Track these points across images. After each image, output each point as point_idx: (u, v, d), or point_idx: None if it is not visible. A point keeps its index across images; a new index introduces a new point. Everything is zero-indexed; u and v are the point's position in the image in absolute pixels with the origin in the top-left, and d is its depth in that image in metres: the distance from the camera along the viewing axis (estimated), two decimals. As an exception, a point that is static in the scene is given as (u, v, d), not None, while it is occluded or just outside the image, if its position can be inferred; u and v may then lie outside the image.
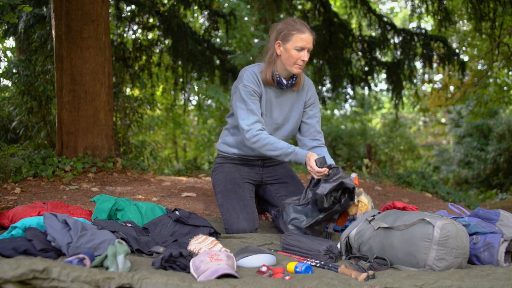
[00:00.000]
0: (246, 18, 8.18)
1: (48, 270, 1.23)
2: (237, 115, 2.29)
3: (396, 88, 7.32)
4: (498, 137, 10.99)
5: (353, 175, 2.35)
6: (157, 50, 7.32)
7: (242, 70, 2.36)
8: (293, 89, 2.41)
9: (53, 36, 4.06)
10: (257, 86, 2.31)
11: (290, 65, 2.27)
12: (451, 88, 10.70)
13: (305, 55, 2.24)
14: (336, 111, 15.24)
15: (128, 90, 6.92)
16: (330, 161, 2.27)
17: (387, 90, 7.76)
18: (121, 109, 5.94)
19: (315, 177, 2.12)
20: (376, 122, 16.91)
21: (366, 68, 7.62)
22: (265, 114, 2.37)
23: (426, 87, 13.08)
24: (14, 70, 5.11)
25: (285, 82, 2.34)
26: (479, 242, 1.82)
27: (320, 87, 7.67)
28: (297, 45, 2.22)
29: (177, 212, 2.19)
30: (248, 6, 8.01)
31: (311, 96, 2.49)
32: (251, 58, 5.12)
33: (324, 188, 2.05)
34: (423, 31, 7.11)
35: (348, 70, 7.45)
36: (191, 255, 1.70)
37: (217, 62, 7.17)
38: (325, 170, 2.09)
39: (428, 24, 13.56)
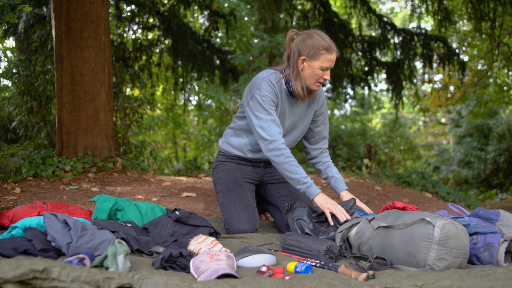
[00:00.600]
0: (246, 18, 8.20)
1: (48, 270, 1.22)
2: (255, 123, 2.25)
3: (396, 88, 7.32)
4: (498, 137, 10.99)
5: None
6: (157, 50, 7.33)
7: (259, 78, 2.30)
8: (307, 98, 2.39)
9: (53, 36, 4.06)
10: (275, 96, 2.29)
11: (311, 82, 2.25)
12: (451, 88, 10.71)
13: (328, 74, 2.22)
14: (336, 111, 15.27)
15: (128, 90, 6.92)
16: (349, 202, 2.24)
17: (387, 90, 7.77)
18: (121, 109, 5.95)
19: (341, 219, 2.07)
20: (376, 122, 16.93)
21: (366, 68, 7.62)
22: None
23: (426, 87, 13.08)
24: (14, 70, 5.12)
25: None
26: (479, 242, 1.82)
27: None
28: (324, 65, 2.19)
29: (177, 212, 2.18)
30: (248, 6, 8.03)
31: (321, 106, 2.49)
32: (251, 58, 5.11)
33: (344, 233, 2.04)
34: (423, 31, 7.11)
35: (348, 70, 7.45)
36: (191, 255, 1.70)
37: (217, 62, 7.17)
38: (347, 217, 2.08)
39: (428, 24, 13.56)
